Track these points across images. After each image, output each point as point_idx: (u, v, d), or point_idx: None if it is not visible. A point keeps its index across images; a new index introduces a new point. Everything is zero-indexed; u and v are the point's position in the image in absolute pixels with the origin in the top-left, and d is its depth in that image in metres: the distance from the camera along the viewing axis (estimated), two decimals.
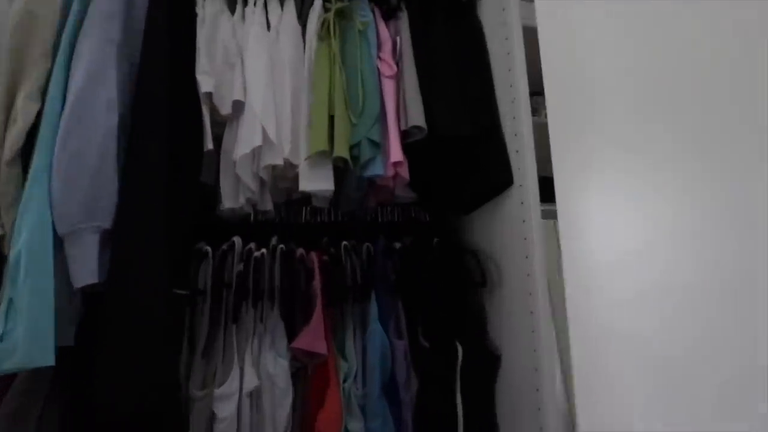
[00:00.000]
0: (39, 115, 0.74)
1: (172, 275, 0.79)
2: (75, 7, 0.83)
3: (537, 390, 0.92)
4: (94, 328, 0.72)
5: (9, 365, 0.64)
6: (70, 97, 0.75)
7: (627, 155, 0.67)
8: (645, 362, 0.62)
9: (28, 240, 0.67)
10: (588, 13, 0.71)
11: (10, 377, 0.74)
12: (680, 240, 0.57)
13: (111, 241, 0.75)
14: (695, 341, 0.54)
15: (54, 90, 0.75)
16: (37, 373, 0.72)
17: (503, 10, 1.07)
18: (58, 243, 0.70)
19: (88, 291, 0.74)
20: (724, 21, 0.52)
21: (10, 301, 0.66)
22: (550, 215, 0.94)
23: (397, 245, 1.08)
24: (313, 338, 0.90)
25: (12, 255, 0.67)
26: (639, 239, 0.68)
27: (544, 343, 0.91)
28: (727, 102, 0.51)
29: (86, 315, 0.75)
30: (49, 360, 0.65)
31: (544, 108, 1.16)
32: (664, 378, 0.59)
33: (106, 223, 0.74)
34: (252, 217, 1.15)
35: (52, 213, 0.69)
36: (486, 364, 1.05)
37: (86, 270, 0.72)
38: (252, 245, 0.99)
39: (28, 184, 0.70)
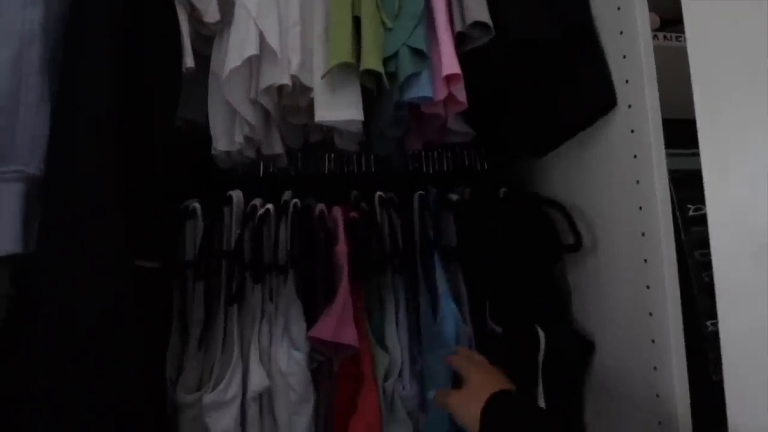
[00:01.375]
0: None
1: (135, 243, 0.55)
2: None
3: (657, 396, 0.65)
4: (23, 313, 0.50)
5: None
6: None
7: None
8: None
9: None
10: None
11: None
12: None
13: (44, 194, 0.51)
14: None
15: None
16: None
17: None
18: None
19: (14, 265, 0.51)
20: None
21: None
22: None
23: (454, 197, 0.80)
24: (337, 324, 0.65)
25: None
26: None
27: (671, 334, 0.62)
28: None
29: (16, 295, 0.53)
30: None
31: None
32: None
33: (31, 167, 0.51)
34: (261, 170, 0.90)
35: None
36: (575, 355, 0.78)
37: (5, 234, 0.49)
38: (257, 201, 0.75)
39: None
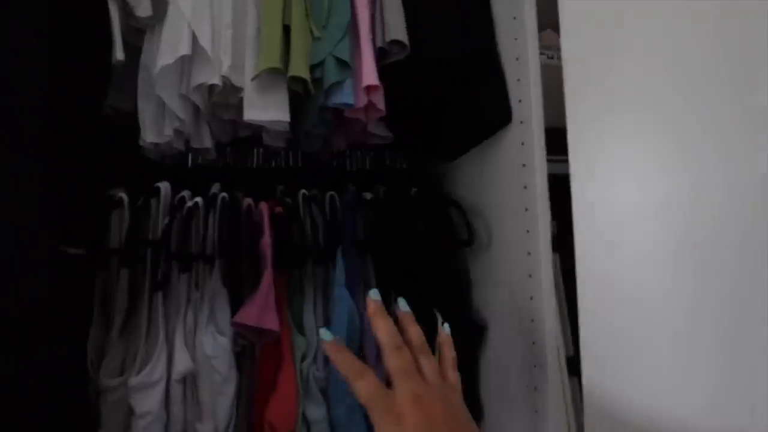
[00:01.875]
0: None
1: (61, 230, 0.57)
2: None
3: (535, 366, 0.78)
4: None
5: None
6: None
7: (653, 100, 0.54)
8: (665, 325, 0.51)
9: None
10: None
11: None
12: (710, 194, 0.47)
13: None
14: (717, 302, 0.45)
15: None
16: None
17: None
18: None
19: None
20: None
21: None
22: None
23: (368, 196, 0.89)
24: (260, 310, 0.70)
25: None
26: (663, 191, 0.54)
27: (546, 314, 0.75)
28: None
29: None
30: None
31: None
32: (686, 342, 0.48)
33: None
34: (189, 161, 0.93)
35: None
36: (470, 336, 0.89)
37: None
38: (185, 193, 0.78)
39: None
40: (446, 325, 0.46)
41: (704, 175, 0.48)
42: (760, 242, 0.43)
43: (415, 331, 0.44)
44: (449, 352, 0.45)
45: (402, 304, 0.45)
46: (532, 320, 0.78)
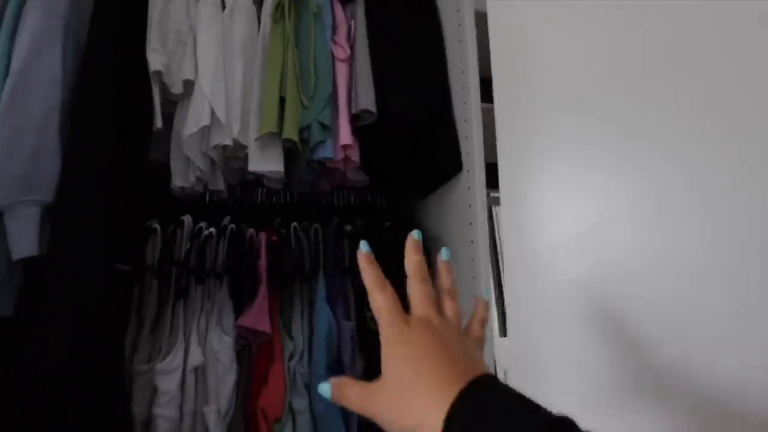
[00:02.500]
0: None
1: (115, 251, 0.80)
2: None
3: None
4: (31, 299, 0.73)
5: None
6: (12, 70, 0.75)
7: (571, 141, 0.68)
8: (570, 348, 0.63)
9: None
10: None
11: None
12: (624, 225, 0.57)
13: (52, 216, 0.75)
14: (645, 324, 0.54)
15: None
16: None
17: (461, 15, 1.08)
18: None
19: (29, 264, 0.74)
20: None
21: None
22: (498, 202, 0.97)
23: (348, 227, 1.10)
24: (256, 316, 0.92)
25: None
26: (583, 223, 0.69)
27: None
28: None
29: (27, 286, 0.76)
30: None
31: None
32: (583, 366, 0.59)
33: (47, 197, 0.75)
34: (207, 198, 1.16)
35: None
36: None
37: (25, 243, 0.73)
38: (203, 224, 1.00)
39: None
40: (487, 290, 0.45)
41: (611, 210, 0.62)
42: (661, 269, 0.53)
43: (448, 278, 0.42)
44: (482, 312, 0.43)
45: (444, 253, 0.43)
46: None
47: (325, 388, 0.38)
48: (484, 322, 0.43)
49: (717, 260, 0.45)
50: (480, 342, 0.41)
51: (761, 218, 0.42)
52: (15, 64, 0.76)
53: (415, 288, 0.39)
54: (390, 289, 0.38)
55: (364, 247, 0.42)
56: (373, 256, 0.41)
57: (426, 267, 0.41)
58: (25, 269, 0.75)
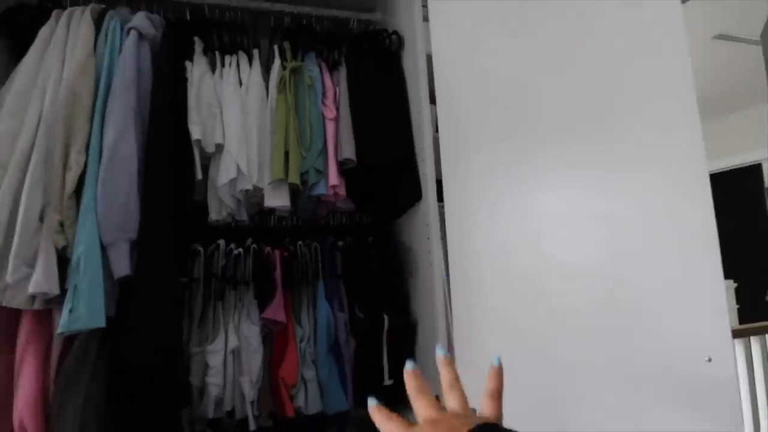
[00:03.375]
0: (85, 164, 1.11)
1: (177, 268, 1.17)
2: (103, 84, 1.19)
3: (439, 341, 1.32)
4: (126, 305, 1.10)
5: (77, 326, 1.01)
6: (105, 152, 1.12)
7: (492, 161, 1.01)
8: (505, 328, 0.97)
9: (84, 248, 1.05)
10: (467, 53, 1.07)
11: (70, 341, 1.11)
12: (543, 232, 0.91)
13: (137, 246, 1.12)
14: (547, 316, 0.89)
15: (94, 147, 1.12)
16: (90, 335, 1.09)
17: (416, 61, 1.44)
18: (104, 249, 1.08)
19: (123, 280, 1.11)
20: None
21: (75, 287, 1.03)
22: None
23: (340, 243, 1.47)
24: (275, 310, 1.29)
25: (74, 258, 1.05)
26: (512, 231, 1.02)
27: (438, 315, 1.30)
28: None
29: (121, 295, 1.13)
30: (101, 323, 1.03)
31: None
32: (519, 341, 0.93)
33: (134, 235, 1.12)
34: (233, 224, 1.53)
35: (99, 230, 1.07)
36: (406, 329, 1.44)
37: (122, 266, 1.09)
38: (232, 245, 1.37)
39: (81, 211, 1.07)
40: (496, 357, 0.46)
41: (526, 222, 0.96)
42: (568, 274, 0.91)
43: (448, 372, 0.45)
44: (491, 383, 0.44)
45: (439, 350, 0.47)
46: (434, 304, 1.33)
47: (371, 402, 0.42)
48: (496, 394, 0.44)
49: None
50: (497, 419, 0.42)
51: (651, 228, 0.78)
52: (106, 147, 1.12)
53: (416, 402, 0.42)
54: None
55: (409, 365, 0.45)
56: (419, 371, 0.44)
57: (422, 382, 0.43)
58: (120, 284, 1.12)
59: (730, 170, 3.87)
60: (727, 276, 0.71)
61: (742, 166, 3.90)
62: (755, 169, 3.87)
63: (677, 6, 0.78)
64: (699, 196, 0.72)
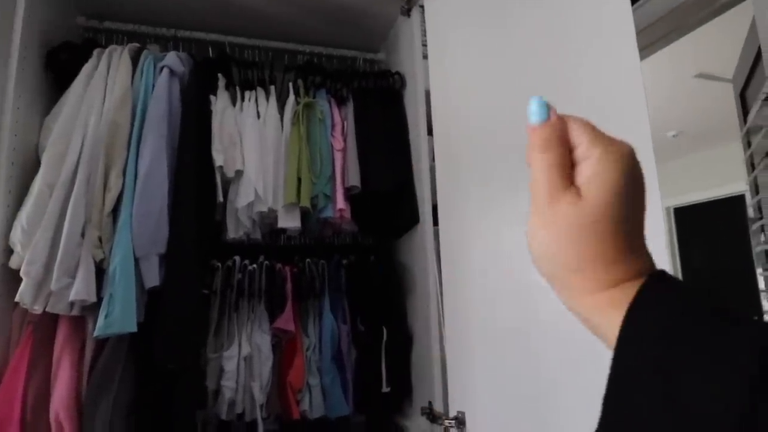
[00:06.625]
0: (123, 186, 1.26)
1: (200, 281, 1.30)
2: (138, 115, 1.35)
3: (433, 355, 1.44)
4: (154, 312, 1.24)
5: (112, 330, 1.14)
6: (140, 176, 1.26)
7: (483, 188, 1.16)
8: (492, 336, 1.12)
9: (120, 260, 1.18)
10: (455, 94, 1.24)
11: (101, 345, 1.24)
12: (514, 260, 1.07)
13: (165, 260, 1.26)
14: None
15: (130, 171, 1.27)
16: (120, 340, 1.22)
17: (416, 96, 1.60)
18: (136, 262, 1.21)
19: (152, 289, 1.25)
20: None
21: (111, 295, 1.17)
22: None
23: (345, 261, 1.60)
24: (285, 321, 1.42)
25: (110, 269, 1.18)
26: (501, 251, 1.16)
27: (432, 329, 1.43)
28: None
29: (150, 303, 1.26)
30: (133, 328, 1.16)
31: None
32: (506, 354, 1.07)
33: (162, 250, 1.26)
34: (247, 242, 1.67)
35: (133, 245, 1.21)
36: (403, 342, 1.57)
37: (152, 277, 1.23)
38: (247, 261, 1.51)
39: (118, 228, 1.22)
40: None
41: (516, 242, 1.14)
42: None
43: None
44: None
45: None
46: (429, 332, 1.46)
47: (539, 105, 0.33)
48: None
49: None
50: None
51: None
52: (141, 172, 1.27)
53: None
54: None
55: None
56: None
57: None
58: (149, 293, 1.25)
59: (715, 200, 4.04)
60: None
61: (728, 196, 4.07)
62: (738, 200, 4.05)
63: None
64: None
